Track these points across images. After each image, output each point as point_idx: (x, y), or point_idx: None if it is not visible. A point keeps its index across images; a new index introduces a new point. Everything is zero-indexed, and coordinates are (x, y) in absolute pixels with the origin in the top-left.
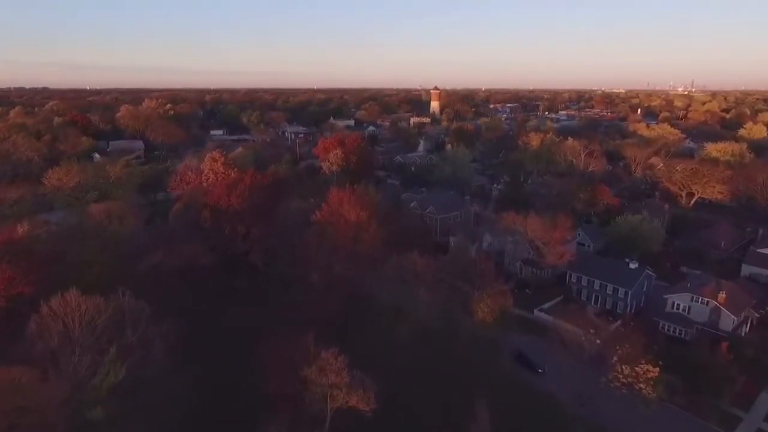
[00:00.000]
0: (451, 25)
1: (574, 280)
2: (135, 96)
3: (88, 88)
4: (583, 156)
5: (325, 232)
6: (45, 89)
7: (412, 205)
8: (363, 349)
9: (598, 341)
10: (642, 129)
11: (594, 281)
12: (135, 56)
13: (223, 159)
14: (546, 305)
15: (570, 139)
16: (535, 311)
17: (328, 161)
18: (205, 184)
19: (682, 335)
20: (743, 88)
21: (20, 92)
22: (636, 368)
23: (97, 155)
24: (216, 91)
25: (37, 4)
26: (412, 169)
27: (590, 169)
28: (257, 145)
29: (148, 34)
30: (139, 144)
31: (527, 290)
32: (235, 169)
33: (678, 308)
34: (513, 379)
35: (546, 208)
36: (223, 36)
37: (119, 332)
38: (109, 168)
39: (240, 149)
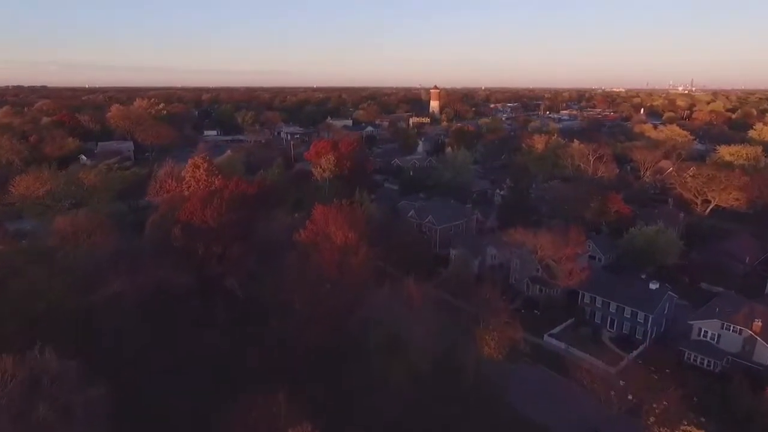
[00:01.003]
0: (452, 25)
1: (587, 301)
2: (132, 95)
3: (87, 86)
4: (592, 160)
5: (309, 254)
6: (44, 87)
7: (410, 214)
8: (351, 390)
9: (630, 396)
10: (649, 130)
11: (610, 303)
12: (136, 55)
13: (206, 165)
14: (557, 329)
15: (576, 142)
16: (545, 336)
17: (320, 167)
18: (186, 193)
19: (711, 367)
20: (743, 87)
21: (17, 90)
22: None
23: (83, 157)
24: (214, 90)
25: (37, 4)
26: (411, 172)
27: (599, 174)
28: (249, 147)
29: (149, 33)
30: (129, 145)
31: (535, 311)
32: (219, 177)
33: (705, 336)
34: (525, 421)
35: (552, 216)
36: (223, 35)
37: (31, 405)
38: (84, 174)
39: (228, 153)
